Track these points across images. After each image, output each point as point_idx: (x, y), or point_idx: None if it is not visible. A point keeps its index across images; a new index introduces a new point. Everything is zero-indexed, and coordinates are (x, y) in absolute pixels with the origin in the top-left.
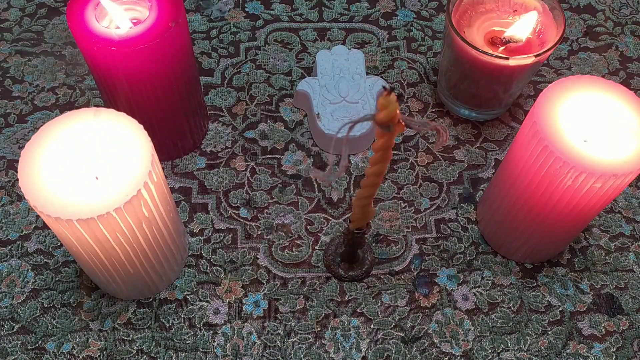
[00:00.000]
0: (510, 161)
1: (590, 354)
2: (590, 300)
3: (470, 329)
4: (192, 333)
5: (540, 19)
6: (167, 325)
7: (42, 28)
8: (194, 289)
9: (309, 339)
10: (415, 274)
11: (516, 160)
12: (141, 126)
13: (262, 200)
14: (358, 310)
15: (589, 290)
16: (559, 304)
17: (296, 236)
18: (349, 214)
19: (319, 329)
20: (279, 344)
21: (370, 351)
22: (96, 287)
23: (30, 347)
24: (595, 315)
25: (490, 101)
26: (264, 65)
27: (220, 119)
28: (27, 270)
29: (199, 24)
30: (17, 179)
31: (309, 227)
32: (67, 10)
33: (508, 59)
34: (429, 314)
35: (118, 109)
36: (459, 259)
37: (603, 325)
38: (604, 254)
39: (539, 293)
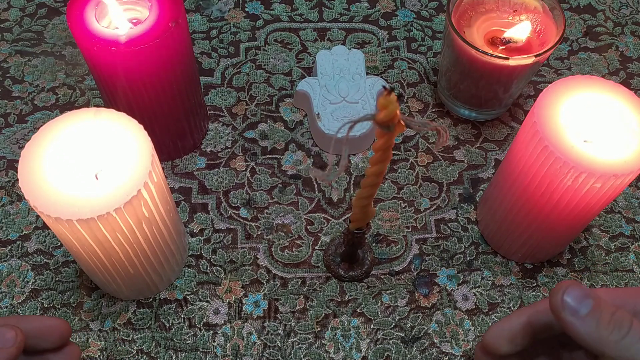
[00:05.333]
0: (510, 161)
1: None
2: None
3: (470, 329)
4: (192, 333)
5: (540, 19)
6: (167, 325)
7: (42, 28)
8: (194, 289)
9: (309, 339)
10: (415, 274)
11: (516, 160)
12: (141, 126)
13: (262, 200)
14: (358, 311)
15: None
16: None
17: (296, 236)
18: (349, 214)
19: (319, 329)
20: (279, 344)
21: (370, 351)
22: (96, 287)
23: None
24: None
25: (490, 101)
26: (264, 65)
27: (220, 119)
28: (27, 270)
29: (199, 24)
30: (17, 179)
31: (309, 227)
32: (67, 10)
33: (508, 59)
34: (429, 314)
35: (118, 109)
36: (459, 259)
37: None
38: (604, 254)
39: (539, 293)
